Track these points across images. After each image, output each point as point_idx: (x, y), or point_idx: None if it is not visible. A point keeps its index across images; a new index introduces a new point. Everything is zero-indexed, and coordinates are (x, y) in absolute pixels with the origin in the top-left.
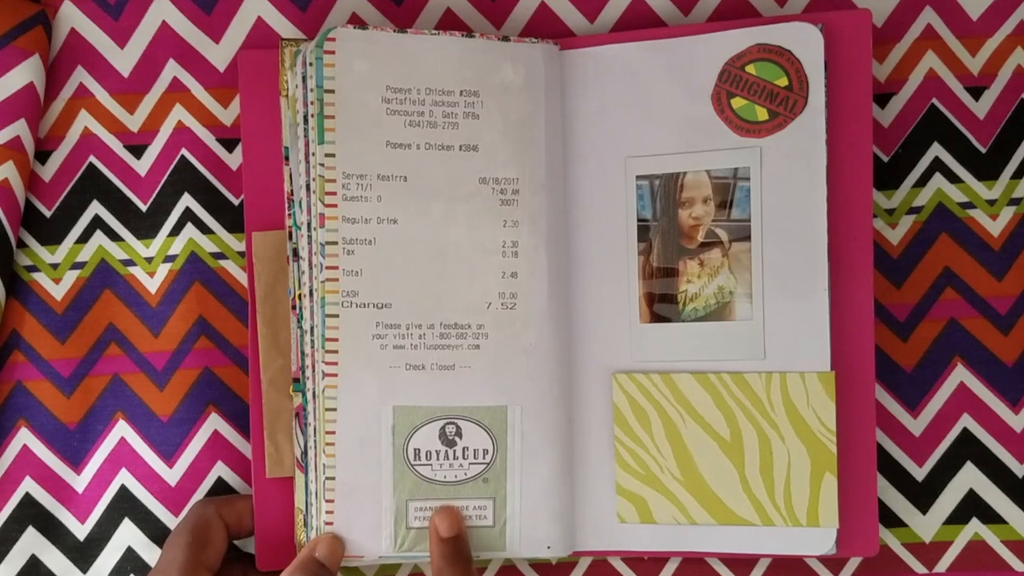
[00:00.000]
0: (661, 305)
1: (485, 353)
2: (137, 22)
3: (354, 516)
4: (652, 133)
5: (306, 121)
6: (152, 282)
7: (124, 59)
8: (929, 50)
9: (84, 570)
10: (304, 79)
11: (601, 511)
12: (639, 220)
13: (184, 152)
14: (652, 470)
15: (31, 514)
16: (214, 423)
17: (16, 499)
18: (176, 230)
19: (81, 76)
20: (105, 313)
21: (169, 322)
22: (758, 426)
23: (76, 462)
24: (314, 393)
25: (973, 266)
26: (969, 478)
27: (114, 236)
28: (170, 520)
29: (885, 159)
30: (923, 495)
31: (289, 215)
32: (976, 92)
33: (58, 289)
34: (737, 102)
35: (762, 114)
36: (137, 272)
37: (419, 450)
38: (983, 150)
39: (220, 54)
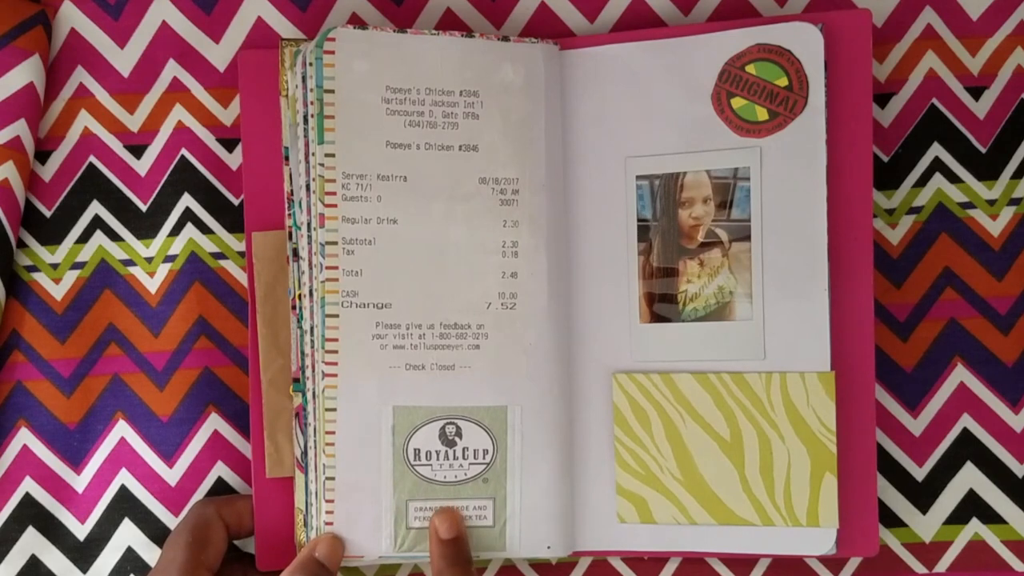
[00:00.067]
0: (661, 305)
1: (485, 353)
2: (137, 22)
3: (354, 516)
4: (652, 133)
5: (306, 121)
6: (152, 282)
7: (124, 59)
8: (929, 50)
9: (84, 570)
10: (304, 79)
11: (601, 511)
12: (639, 220)
13: (184, 152)
14: (652, 470)
15: (31, 514)
16: (214, 423)
17: (16, 499)
18: (176, 230)
19: (81, 76)
20: (105, 313)
21: (169, 322)
22: (758, 426)
23: (76, 462)
24: (314, 393)
25: (973, 266)
26: (969, 478)
27: (114, 236)
28: (170, 520)
29: (885, 159)
30: (923, 495)
31: (289, 215)
32: (976, 92)
33: (58, 289)
34: (737, 102)
35: (762, 114)
36: (137, 272)
37: (419, 450)
38: (983, 150)
39: (220, 54)
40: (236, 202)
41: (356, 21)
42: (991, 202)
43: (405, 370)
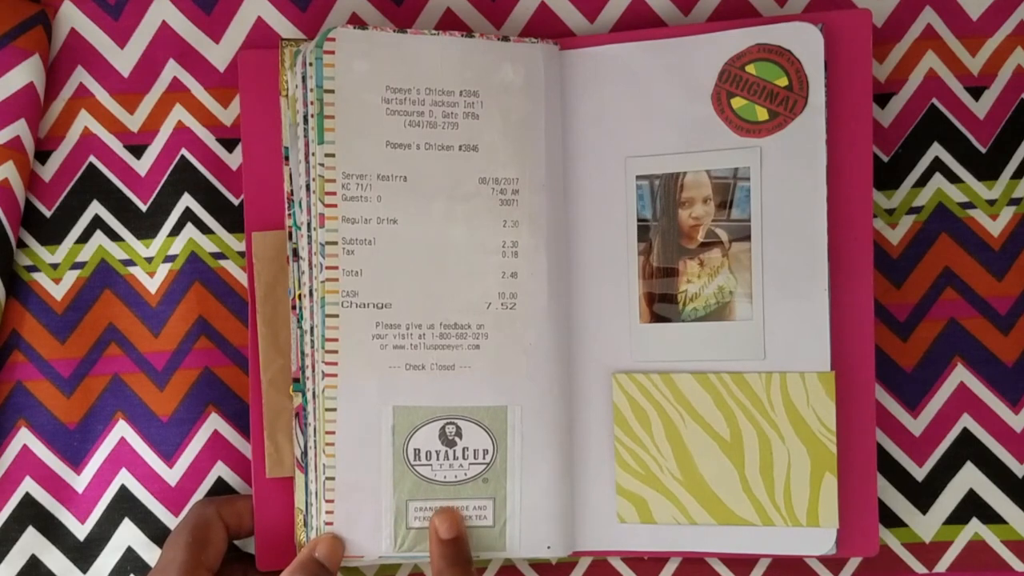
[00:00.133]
0: (661, 305)
1: (485, 353)
2: (137, 22)
3: (354, 516)
4: (652, 133)
5: (306, 121)
6: (152, 282)
7: (124, 59)
8: (929, 50)
9: (84, 570)
10: (304, 79)
11: (601, 511)
12: (639, 220)
13: (184, 152)
14: (652, 470)
15: (31, 514)
16: (214, 423)
17: (16, 499)
18: (176, 230)
19: (81, 76)
20: (105, 313)
21: (169, 322)
22: (758, 426)
23: (76, 462)
24: (314, 393)
25: (973, 266)
26: (969, 478)
27: (114, 236)
28: (170, 520)
29: (885, 159)
30: (923, 495)
31: (289, 215)
32: (976, 92)
33: (58, 289)
34: (737, 102)
35: (762, 114)
36: (137, 272)
37: (419, 450)
38: (983, 150)
39: (220, 54)
40: (236, 202)
41: (356, 21)
42: (991, 202)
43: (405, 370)
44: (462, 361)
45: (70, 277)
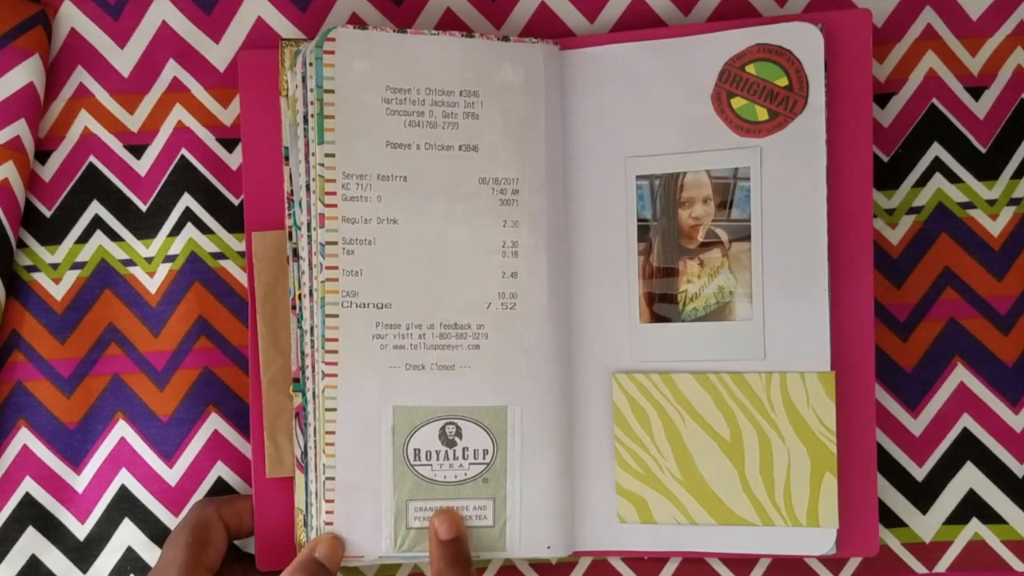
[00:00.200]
0: (661, 305)
1: (485, 353)
2: (137, 22)
3: (354, 516)
4: (652, 133)
5: (306, 121)
6: (152, 282)
7: (124, 59)
8: (929, 50)
9: (84, 570)
10: (304, 79)
11: (601, 511)
12: (639, 220)
13: (184, 152)
14: (652, 470)
15: (31, 514)
16: (214, 423)
17: (16, 499)
18: (176, 230)
19: (81, 76)
20: (105, 313)
21: (169, 322)
22: (758, 426)
23: (76, 462)
24: (314, 393)
25: (973, 266)
26: (969, 478)
27: (114, 236)
28: (170, 520)
29: (885, 159)
30: (923, 495)
31: (289, 215)
32: (976, 92)
33: (58, 289)
34: (737, 102)
35: (762, 114)
36: (137, 272)
37: (419, 450)
38: (983, 150)
39: (220, 54)
40: (236, 202)
41: (356, 21)
42: (991, 202)
43: (405, 370)
44: (462, 361)
45: (70, 277)
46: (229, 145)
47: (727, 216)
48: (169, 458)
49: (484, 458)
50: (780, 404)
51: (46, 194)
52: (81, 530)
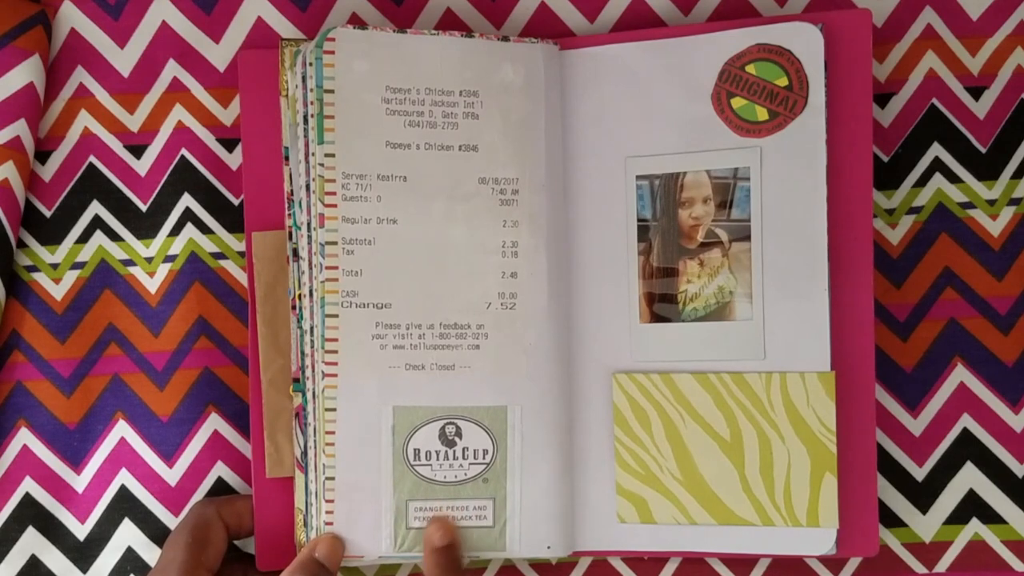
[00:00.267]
0: (661, 305)
1: (485, 353)
2: (137, 22)
3: (354, 516)
4: (652, 133)
5: (306, 121)
6: (152, 282)
7: (124, 59)
8: (929, 50)
9: (84, 570)
10: (304, 79)
11: (601, 511)
12: (639, 220)
13: (184, 152)
14: (652, 470)
15: (31, 514)
16: (214, 423)
17: (16, 499)
18: (176, 230)
19: (81, 76)
20: (105, 313)
21: (169, 322)
22: (758, 426)
23: (76, 462)
24: (314, 393)
25: (973, 266)
26: (969, 478)
27: (114, 236)
28: (170, 520)
29: (885, 159)
30: (923, 495)
31: (289, 215)
32: (976, 92)
33: (58, 289)
34: (737, 102)
35: (762, 114)
36: (137, 272)
37: (419, 450)
38: (983, 150)
39: (220, 54)
40: (236, 202)
41: (356, 21)
42: (991, 202)
43: (405, 370)
44: (462, 361)
45: (70, 277)
46: (229, 145)
47: (727, 216)
48: (169, 458)
49: (484, 458)
50: (780, 404)
51: (46, 194)
52: (81, 530)
